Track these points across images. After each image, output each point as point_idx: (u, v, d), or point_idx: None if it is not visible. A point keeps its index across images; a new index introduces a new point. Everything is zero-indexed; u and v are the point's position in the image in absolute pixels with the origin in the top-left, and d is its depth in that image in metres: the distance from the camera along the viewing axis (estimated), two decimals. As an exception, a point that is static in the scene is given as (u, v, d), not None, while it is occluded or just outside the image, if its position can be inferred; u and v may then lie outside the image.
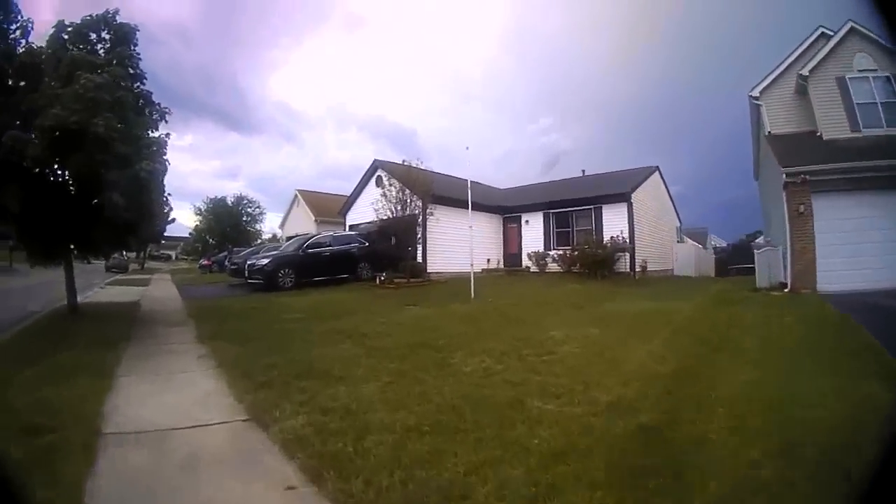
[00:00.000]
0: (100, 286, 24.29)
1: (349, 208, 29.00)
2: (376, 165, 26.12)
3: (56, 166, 10.98)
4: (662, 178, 27.22)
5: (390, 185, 21.47)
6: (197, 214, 54.49)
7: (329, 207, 36.53)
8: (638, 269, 21.61)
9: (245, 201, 55.12)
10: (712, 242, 46.76)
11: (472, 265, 16.72)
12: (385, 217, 21.09)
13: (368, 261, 20.77)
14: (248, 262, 20.61)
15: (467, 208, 17.59)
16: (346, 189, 30.99)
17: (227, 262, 31.02)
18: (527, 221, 25.77)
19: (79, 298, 13.90)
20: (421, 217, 21.10)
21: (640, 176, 24.55)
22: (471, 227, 17.48)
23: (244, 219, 54.10)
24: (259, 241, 52.44)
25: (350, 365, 7.06)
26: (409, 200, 20.55)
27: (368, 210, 23.87)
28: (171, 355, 8.52)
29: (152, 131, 11.67)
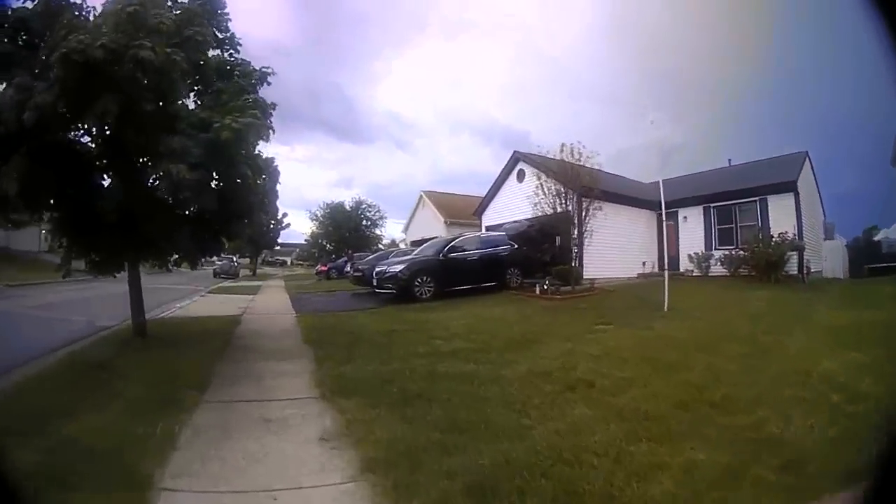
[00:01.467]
0: (201, 293, 21.73)
1: (485, 208, 26.78)
2: (517, 157, 23.95)
3: (83, 127, 7.92)
4: (811, 165, 22.99)
5: (540, 178, 18.59)
6: (313, 220, 52.93)
7: (459, 208, 34.11)
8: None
9: (364, 206, 52.95)
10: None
11: (665, 268, 15.74)
12: (536, 215, 18.85)
13: (518, 266, 17.95)
14: (378, 269, 17.50)
15: (625, 204, 16.74)
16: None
17: (348, 268, 29.24)
18: (685, 218, 22.82)
19: (169, 310, 12.81)
20: (576, 215, 18.21)
21: (796, 163, 21.18)
22: (665, 220, 16.46)
23: (364, 223, 51.61)
24: (379, 246, 49.92)
25: (637, 474, 3.58)
26: (563, 196, 17.78)
27: (508, 209, 22.74)
28: (269, 434, 4.68)
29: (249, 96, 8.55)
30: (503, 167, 25.15)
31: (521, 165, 23.45)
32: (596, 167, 18.09)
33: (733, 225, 20.95)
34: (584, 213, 17.78)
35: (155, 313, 12.90)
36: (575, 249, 18.58)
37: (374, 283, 17.06)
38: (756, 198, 20.46)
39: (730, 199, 21.08)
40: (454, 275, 16.42)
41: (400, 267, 16.35)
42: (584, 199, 17.63)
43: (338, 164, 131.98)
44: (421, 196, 39.58)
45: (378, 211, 53.47)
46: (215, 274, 41.15)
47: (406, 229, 42.78)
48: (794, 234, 18.58)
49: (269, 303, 17.94)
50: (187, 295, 20.98)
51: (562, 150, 17.63)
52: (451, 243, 17.64)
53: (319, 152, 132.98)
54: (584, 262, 18.81)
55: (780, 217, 19.37)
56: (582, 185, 17.27)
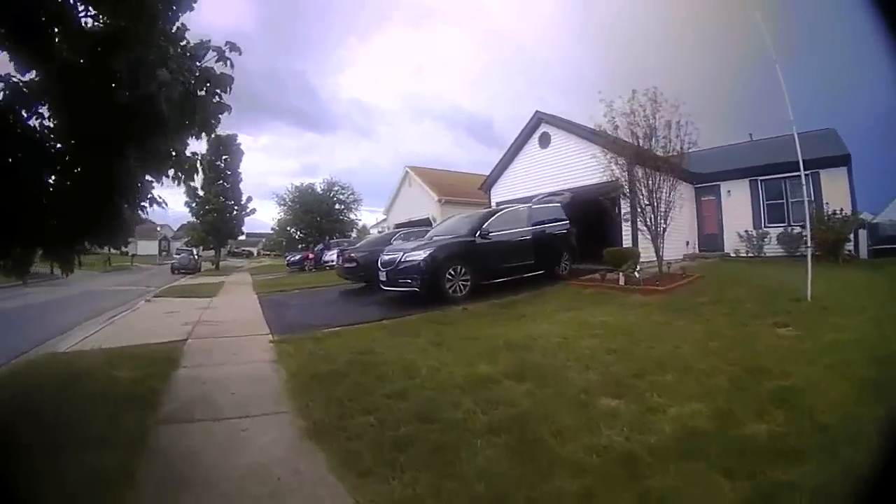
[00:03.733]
0: (146, 298, 16.69)
1: (495, 181, 23.64)
2: (539, 118, 21.03)
3: None
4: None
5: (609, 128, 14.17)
6: (280, 205, 47.34)
7: (454, 185, 31.15)
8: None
9: (337, 188, 47.45)
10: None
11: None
12: (574, 186, 16.59)
13: (570, 248, 14.68)
14: (385, 258, 12.61)
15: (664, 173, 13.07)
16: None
17: (329, 257, 26.78)
18: (728, 192, 20.78)
19: (81, 334, 9.35)
20: (644, 186, 14.02)
21: (831, 138, 19.58)
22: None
23: (337, 207, 46.21)
24: (353, 231, 45.01)
25: None
26: (631, 161, 13.91)
27: (528, 180, 20.69)
28: None
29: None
30: (519, 133, 21.92)
31: (544, 128, 20.67)
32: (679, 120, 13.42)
33: (784, 200, 19.11)
34: (654, 183, 13.31)
35: (55, 341, 9.21)
36: (626, 227, 16.06)
37: (383, 278, 12.31)
38: (807, 171, 16.92)
39: (779, 172, 18.49)
40: (494, 262, 12.35)
41: (422, 254, 11.63)
42: (655, 165, 13.25)
43: (301, 152, 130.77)
44: (406, 173, 34.57)
45: (352, 193, 48.22)
46: (173, 269, 35.85)
47: (388, 210, 37.67)
48: (849, 211, 17.29)
49: (230, 310, 12.74)
50: (130, 300, 16.24)
51: (632, 98, 13.22)
52: (490, 219, 13.02)
53: (282, 141, 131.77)
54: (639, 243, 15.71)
55: (831, 192, 17.93)
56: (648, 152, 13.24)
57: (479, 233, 12.29)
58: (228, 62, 5.13)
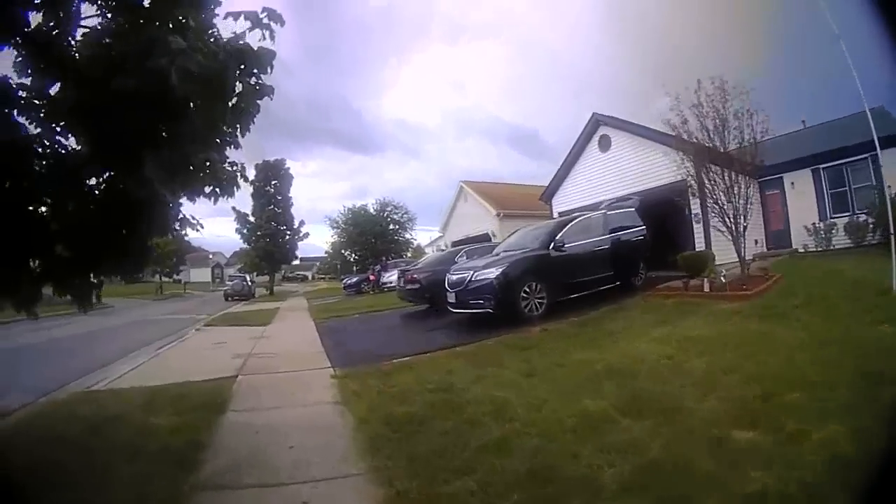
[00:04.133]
0: (196, 327, 15.79)
1: (556, 189, 22.64)
2: (598, 121, 19.97)
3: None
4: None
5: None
6: (333, 228, 46.79)
7: (512, 198, 29.89)
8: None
9: (390, 207, 46.66)
10: None
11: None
12: (639, 190, 15.81)
13: (647, 256, 13.45)
14: (453, 277, 11.49)
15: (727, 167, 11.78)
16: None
17: (388, 278, 26.03)
18: (792, 184, 19.28)
19: (125, 367, 8.51)
20: (698, 185, 13.56)
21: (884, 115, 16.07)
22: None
23: (391, 227, 45.42)
24: (407, 252, 44.15)
25: None
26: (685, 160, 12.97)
27: (588, 187, 19.83)
28: None
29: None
30: (577, 139, 20.88)
31: (603, 131, 19.66)
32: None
33: (846, 188, 17.72)
34: (731, 178, 12.08)
35: (92, 376, 8.36)
36: (698, 228, 15.30)
37: (452, 300, 11.20)
38: (867, 154, 16.31)
39: (839, 157, 17.50)
40: (571, 276, 11.14)
41: (494, 271, 10.47)
42: (730, 159, 12.06)
43: (350, 175, 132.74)
44: (461, 188, 33.55)
45: (406, 213, 47.30)
46: (226, 296, 35.54)
47: (444, 228, 36.64)
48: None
49: (285, 341, 11.75)
50: (180, 329, 15.51)
51: (699, 89, 11.92)
52: (564, 229, 11.74)
53: (331, 165, 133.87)
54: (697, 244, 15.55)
55: (892, 175, 15.24)
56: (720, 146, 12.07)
57: (552, 245, 11.06)
58: (268, 32, 4.05)
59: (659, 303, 10.45)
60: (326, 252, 60.34)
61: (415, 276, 14.20)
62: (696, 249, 14.63)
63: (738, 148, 11.86)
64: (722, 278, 10.76)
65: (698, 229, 15.47)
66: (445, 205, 35.75)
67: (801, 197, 18.82)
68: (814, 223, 18.02)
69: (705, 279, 10.76)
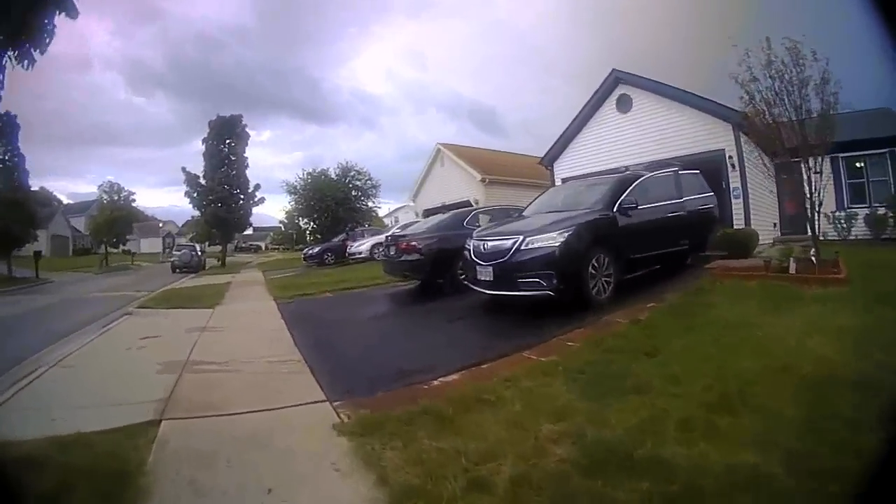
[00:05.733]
0: (128, 310, 12.22)
1: (559, 153, 20.31)
2: (617, 78, 18.00)
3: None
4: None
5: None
6: (291, 194, 42.45)
7: (498, 163, 27.61)
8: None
9: (353, 172, 42.60)
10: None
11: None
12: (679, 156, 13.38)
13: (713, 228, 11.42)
14: (489, 245, 8.15)
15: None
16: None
17: (359, 249, 23.06)
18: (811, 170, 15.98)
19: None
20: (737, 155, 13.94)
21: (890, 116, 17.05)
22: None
23: (353, 193, 41.57)
24: (369, 221, 40.87)
25: None
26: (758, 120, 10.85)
27: (602, 151, 18.05)
28: None
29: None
30: (592, 95, 18.72)
31: (623, 90, 17.71)
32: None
33: (864, 179, 17.53)
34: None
35: None
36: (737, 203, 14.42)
37: (486, 276, 8.02)
38: (885, 149, 17.18)
39: (860, 148, 16.88)
40: (639, 247, 8.48)
41: (556, 235, 7.46)
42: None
43: (304, 145, 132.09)
44: (438, 151, 30.18)
45: (369, 179, 43.38)
46: (173, 268, 31.53)
47: (415, 196, 33.20)
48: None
49: (240, 335, 8.34)
50: (109, 312, 12.09)
51: (768, 47, 9.90)
52: (631, 187, 8.83)
53: (286, 135, 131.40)
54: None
55: None
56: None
57: (616, 206, 8.24)
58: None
59: (739, 285, 8.06)
60: (281, 221, 56.55)
61: (414, 243, 10.73)
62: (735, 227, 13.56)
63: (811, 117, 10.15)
64: (812, 258, 8.83)
65: (737, 205, 14.38)
66: (410, 174, 32.75)
67: (803, 186, 17.64)
68: (833, 211, 16.60)
69: (791, 259, 8.81)
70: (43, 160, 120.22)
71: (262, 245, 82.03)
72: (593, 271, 7.40)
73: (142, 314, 11.48)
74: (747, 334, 5.18)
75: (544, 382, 4.42)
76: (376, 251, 20.87)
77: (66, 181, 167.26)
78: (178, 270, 30.63)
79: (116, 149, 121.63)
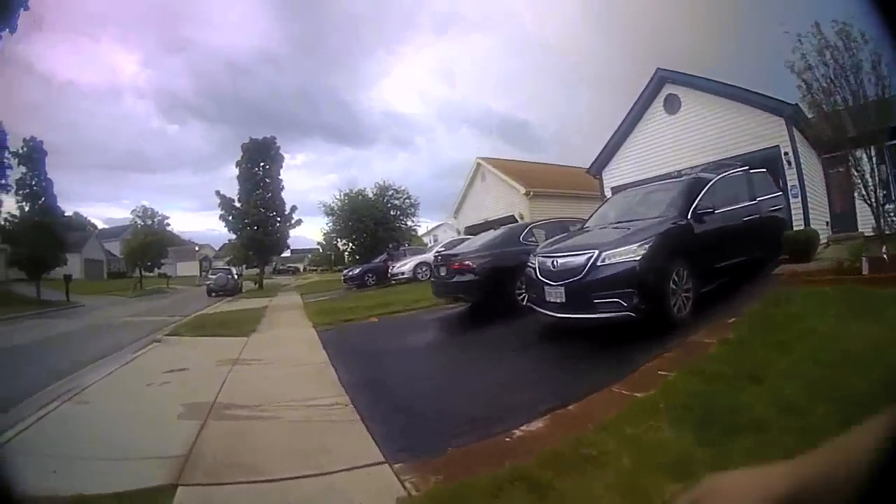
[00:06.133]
0: (157, 337, 11.46)
1: (607, 161, 19.29)
2: (662, 77, 17.15)
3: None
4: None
5: None
6: (328, 214, 41.79)
7: (541, 176, 26.33)
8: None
9: (391, 192, 41.82)
10: None
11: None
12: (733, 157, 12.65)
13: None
14: (559, 261, 7.03)
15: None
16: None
17: (402, 269, 21.36)
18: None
19: None
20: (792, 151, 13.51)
21: None
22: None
23: (392, 213, 40.77)
24: (410, 241, 39.94)
25: None
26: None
27: (650, 156, 17.15)
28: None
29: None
30: (639, 97, 17.73)
31: (670, 89, 16.76)
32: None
33: None
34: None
35: None
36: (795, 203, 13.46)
37: (558, 297, 6.93)
38: None
39: None
40: (716, 257, 7.53)
41: (635, 248, 6.53)
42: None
43: (339, 167, 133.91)
44: (478, 166, 29.23)
45: (408, 198, 42.53)
46: (209, 292, 30.98)
47: (456, 212, 32.24)
48: None
49: (275, 369, 7.36)
50: (137, 339, 11.48)
51: (819, 33, 9.40)
52: (704, 190, 7.92)
53: (321, 158, 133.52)
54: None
55: None
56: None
57: (690, 213, 7.33)
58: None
59: (814, 291, 7.13)
60: (319, 243, 56.31)
61: (467, 262, 9.67)
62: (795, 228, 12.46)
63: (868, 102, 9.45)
64: (884, 256, 8.09)
65: (795, 204, 13.44)
66: (445, 192, 31.94)
67: (868, 177, 16.20)
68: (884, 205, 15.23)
69: (864, 259, 8.07)
70: (79, 187, 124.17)
71: (300, 267, 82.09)
72: (673, 286, 6.48)
73: (171, 343, 10.68)
74: (846, 347, 4.39)
75: (650, 426, 3.52)
76: (420, 271, 20.07)
77: (102, 207, 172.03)
78: (214, 294, 30.13)
79: (151, 175, 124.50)
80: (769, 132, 14.33)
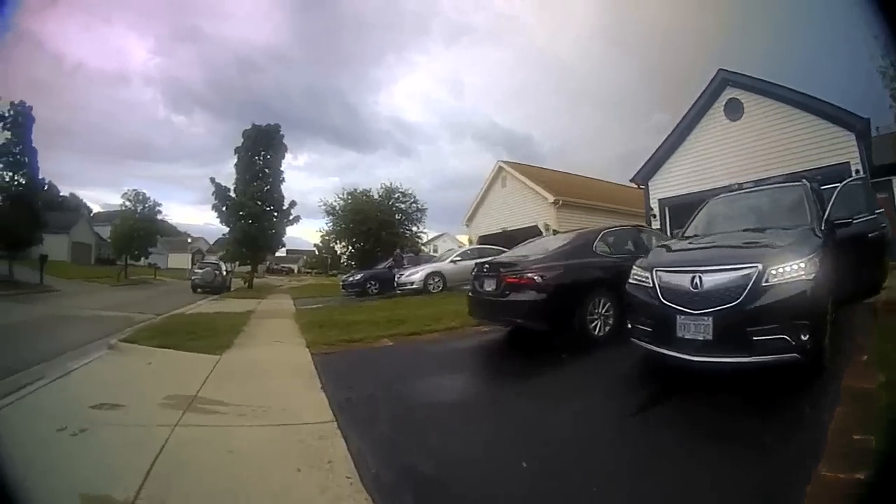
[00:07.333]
0: (112, 342, 8.99)
1: (655, 169, 18.38)
2: (724, 80, 16.33)
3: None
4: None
5: None
6: (329, 214, 39.65)
7: (570, 184, 25.23)
8: None
9: (397, 194, 39.74)
10: None
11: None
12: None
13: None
14: (683, 277, 4.91)
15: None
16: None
17: (410, 277, 19.18)
18: None
19: None
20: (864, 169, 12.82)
21: None
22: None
23: (398, 217, 38.62)
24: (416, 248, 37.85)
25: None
26: None
27: (707, 166, 16.07)
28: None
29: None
30: (695, 101, 17.12)
31: (732, 93, 16.23)
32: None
33: None
34: None
35: None
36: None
37: (699, 333, 4.69)
38: None
39: None
40: (850, 280, 5.95)
41: (803, 265, 4.60)
42: None
43: (341, 171, 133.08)
44: (499, 169, 27.20)
45: (415, 202, 40.45)
46: (194, 287, 28.49)
47: (469, 220, 29.99)
48: None
49: (246, 437, 4.85)
50: (91, 341, 9.42)
51: None
52: (832, 198, 6.40)
53: (323, 159, 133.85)
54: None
55: None
56: None
57: (822, 222, 5.79)
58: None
59: None
60: (315, 245, 54.50)
61: (530, 275, 7.21)
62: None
63: None
64: None
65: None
66: (446, 203, 29.97)
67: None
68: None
69: None
70: (79, 168, 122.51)
71: (295, 268, 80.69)
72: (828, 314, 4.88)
73: (124, 351, 8.32)
74: None
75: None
76: (431, 282, 17.99)
77: (102, 191, 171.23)
78: (198, 290, 27.66)
79: (154, 164, 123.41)
80: (838, 146, 13.70)
